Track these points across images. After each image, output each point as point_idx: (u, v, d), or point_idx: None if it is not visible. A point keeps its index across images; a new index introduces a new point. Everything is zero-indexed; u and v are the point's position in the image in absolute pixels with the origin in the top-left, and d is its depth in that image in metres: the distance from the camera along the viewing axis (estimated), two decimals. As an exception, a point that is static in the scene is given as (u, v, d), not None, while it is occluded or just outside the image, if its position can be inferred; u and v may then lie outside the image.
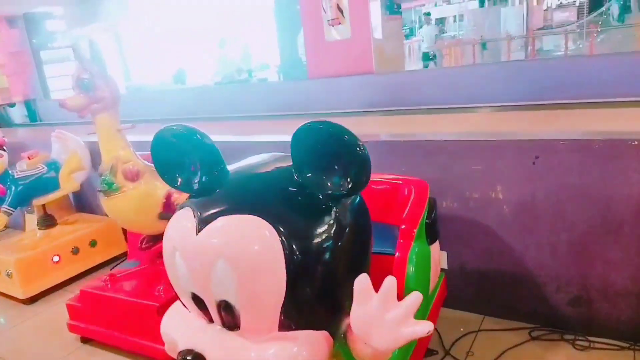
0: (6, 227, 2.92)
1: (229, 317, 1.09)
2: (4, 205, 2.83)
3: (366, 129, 2.71)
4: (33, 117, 8.94)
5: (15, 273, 2.79)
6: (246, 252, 1.03)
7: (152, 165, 2.20)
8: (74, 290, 2.96)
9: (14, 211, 2.87)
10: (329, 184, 1.10)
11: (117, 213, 2.11)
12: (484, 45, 9.13)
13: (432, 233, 1.76)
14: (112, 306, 2.15)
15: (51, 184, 3.06)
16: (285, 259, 1.03)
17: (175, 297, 1.26)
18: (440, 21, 12.37)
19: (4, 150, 2.84)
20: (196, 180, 1.23)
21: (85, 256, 3.10)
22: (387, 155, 2.26)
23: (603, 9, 9.85)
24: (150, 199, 2.11)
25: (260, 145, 2.70)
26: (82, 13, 8.79)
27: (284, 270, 1.03)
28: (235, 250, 1.03)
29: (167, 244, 1.16)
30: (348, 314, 1.08)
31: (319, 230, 1.10)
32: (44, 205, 3.10)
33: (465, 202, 2.12)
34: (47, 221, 3.12)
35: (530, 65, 3.71)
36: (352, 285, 1.03)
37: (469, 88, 2.88)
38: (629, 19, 9.33)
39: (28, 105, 8.53)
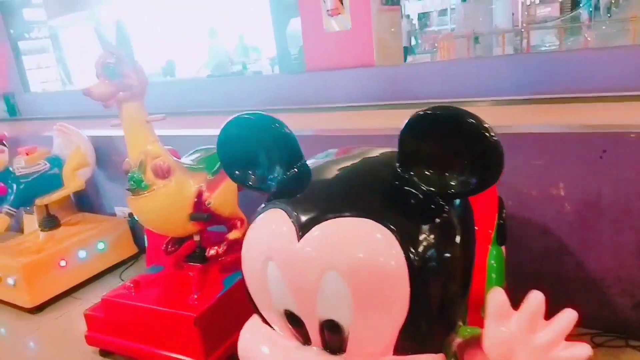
0: (8, 229, 2.68)
1: (334, 338, 0.92)
2: (5, 206, 2.59)
3: (375, 123, 2.58)
4: (12, 111, 8.52)
5: (21, 280, 2.56)
6: (365, 263, 0.85)
7: (181, 161, 2.04)
8: (82, 297, 2.74)
9: (16, 212, 2.63)
10: (451, 182, 0.94)
11: (146, 214, 1.91)
12: (476, 39, 9.09)
13: (502, 234, 1.62)
14: (139, 316, 1.96)
15: (54, 182, 2.83)
16: (408, 269, 0.87)
17: (250, 312, 1.08)
18: (424, 15, 12.33)
19: (5, 145, 2.59)
20: (274, 177, 1.06)
21: (94, 260, 2.88)
22: None
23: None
24: (181, 198, 1.92)
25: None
26: (63, 1, 8.41)
27: (408, 283, 0.87)
28: (350, 261, 0.86)
29: (256, 251, 0.98)
30: (457, 332, 0.95)
31: (438, 235, 0.93)
32: (46, 205, 2.86)
33: (522, 200, 1.98)
34: (51, 222, 2.89)
35: (533, 58, 3.62)
36: (464, 299, 0.87)
37: (474, 80, 2.75)
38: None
39: (6, 98, 8.14)
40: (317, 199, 0.96)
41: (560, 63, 2.35)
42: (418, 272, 0.87)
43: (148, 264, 2.48)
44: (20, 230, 3.34)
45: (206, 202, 1.98)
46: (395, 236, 0.87)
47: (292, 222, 0.92)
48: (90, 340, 2.15)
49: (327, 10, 3.39)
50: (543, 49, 9.05)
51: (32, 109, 8.06)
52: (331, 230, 0.89)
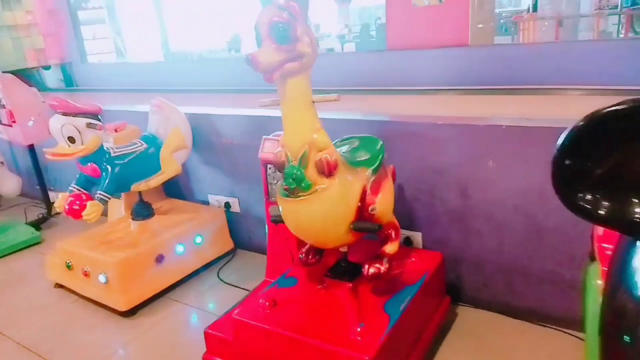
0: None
1: None
2: (99, 191, 2.24)
3: (473, 109, 2.18)
4: (69, 81, 8.32)
5: (115, 278, 2.22)
6: None
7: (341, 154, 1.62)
8: (180, 299, 2.40)
9: (109, 198, 2.28)
10: None
11: (303, 221, 1.49)
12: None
13: None
14: (282, 346, 1.56)
15: (151, 165, 2.46)
16: None
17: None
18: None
19: (100, 121, 2.22)
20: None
21: (191, 255, 2.52)
22: (516, 142, 1.78)
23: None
24: (345, 202, 1.49)
25: (347, 124, 2.14)
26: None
27: None
28: None
29: None
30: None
31: None
32: (139, 191, 2.51)
33: None
34: (144, 210, 2.53)
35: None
36: None
37: (597, 66, 2.22)
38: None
39: (63, 68, 7.93)
40: None
41: None
42: None
43: (269, 272, 2.09)
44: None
45: (370, 208, 1.55)
46: None
47: None
48: (210, 363, 1.78)
49: (418, -18, 2.98)
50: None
51: (89, 80, 7.82)
52: None
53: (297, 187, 1.42)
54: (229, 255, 2.74)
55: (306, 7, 1.33)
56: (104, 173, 2.25)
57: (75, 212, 2.17)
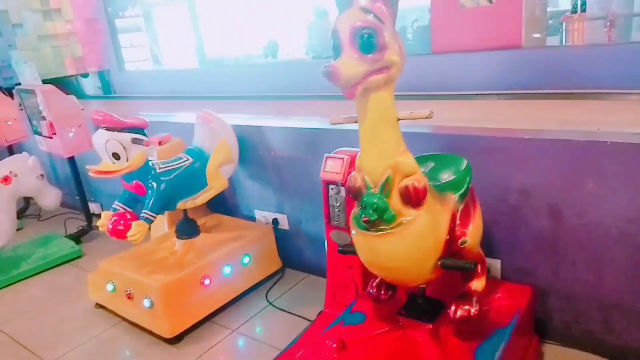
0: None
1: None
2: (144, 210, 2.09)
3: (536, 116, 2.01)
4: (107, 89, 8.37)
5: (160, 302, 2.07)
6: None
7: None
8: (226, 324, 2.23)
9: (155, 217, 2.13)
10: None
11: (384, 258, 1.28)
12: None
13: None
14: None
15: (198, 181, 2.30)
16: None
17: None
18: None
19: (145, 136, 2.07)
20: None
21: (238, 276, 2.35)
22: (623, 161, 1.53)
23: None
24: (434, 236, 1.28)
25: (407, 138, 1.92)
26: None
27: None
28: None
29: None
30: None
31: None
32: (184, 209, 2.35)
33: None
34: (190, 229, 2.38)
35: None
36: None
37: None
38: None
39: (101, 76, 7.96)
40: None
41: None
42: None
43: (329, 302, 1.90)
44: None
45: (460, 242, 1.34)
46: None
47: None
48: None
49: (466, -18, 2.77)
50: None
51: (126, 87, 7.83)
52: None
53: (378, 219, 1.21)
54: (277, 275, 2.55)
55: (395, 7, 1.12)
56: (149, 191, 2.10)
57: (119, 233, 2.03)
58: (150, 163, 2.12)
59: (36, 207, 3.77)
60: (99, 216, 2.16)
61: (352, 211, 1.32)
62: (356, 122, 1.23)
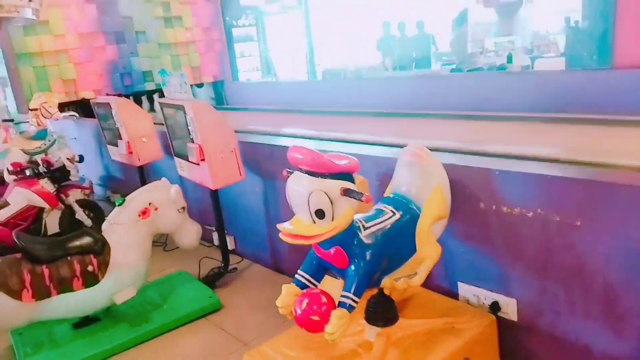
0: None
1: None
2: (347, 293, 1.43)
3: None
4: (219, 99, 8.14)
5: None
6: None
7: None
8: None
9: (358, 303, 1.46)
10: None
11: None
12: None
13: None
14: None
15: (406, 245, 1.61)
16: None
17: None
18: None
19: (353, 181, 1.41)
20: None
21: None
22: None
23: None
24: None
25: None
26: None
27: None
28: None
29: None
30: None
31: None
32: (379, 282, 1.66)
33: None
34: (388, 311, 1.68)
35: None
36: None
37: None
38: None
39: (215, 86, 7.78)
40: None
41: None
42: None
43: None
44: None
45: None
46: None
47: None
48: None
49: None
50: None
51: (238, 98, 7.49)
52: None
53: None
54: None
55: None
56: (354, 263, 1.44)
57: (313, 325, 1.39)
58: (355, 222, 1.47)
59: (164, 235, 3.35)
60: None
61: None
62: None
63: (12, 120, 3.82)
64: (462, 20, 6.19)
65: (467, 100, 4.46)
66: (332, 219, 1.34)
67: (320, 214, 1.33)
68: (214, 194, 2.60)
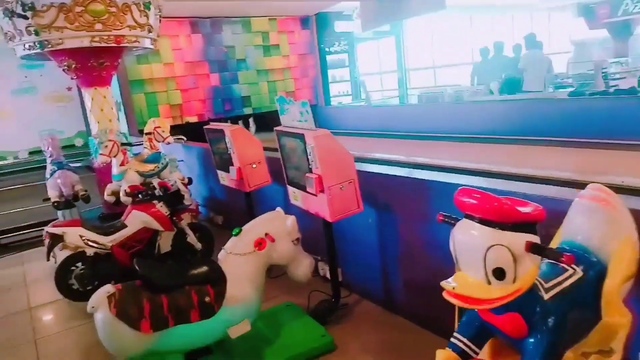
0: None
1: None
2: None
3: None
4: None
5: None
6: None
7: None
8: None
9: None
10: None
11: None
12: None
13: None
14: None
15: (589, 309, 1.32)
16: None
17: None
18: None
19: (535, 232, 1.17)
20: None
21: None
22: None
23: None
24: None
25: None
26: (380, 10, 7.68)
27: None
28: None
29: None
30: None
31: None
32: None
33: None
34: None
35: None
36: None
37: None
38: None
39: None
40: None
41: None
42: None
43: None
44: None
45: None
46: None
47: None
48: None
49: None
50: None
51: (330, 122, 7.40)
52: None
53: None
54: None
55: None
56: (535, 335, 1.19)
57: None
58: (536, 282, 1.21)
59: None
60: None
61: None
62: None
63: (130, 144, 4.01)
64: (582, 40, 5.67)
65: (594, 126, 4.01)
66: (514, 280, 1.10)
67: (499, 273, 1.10)
68: (328, 225, 2.46)
